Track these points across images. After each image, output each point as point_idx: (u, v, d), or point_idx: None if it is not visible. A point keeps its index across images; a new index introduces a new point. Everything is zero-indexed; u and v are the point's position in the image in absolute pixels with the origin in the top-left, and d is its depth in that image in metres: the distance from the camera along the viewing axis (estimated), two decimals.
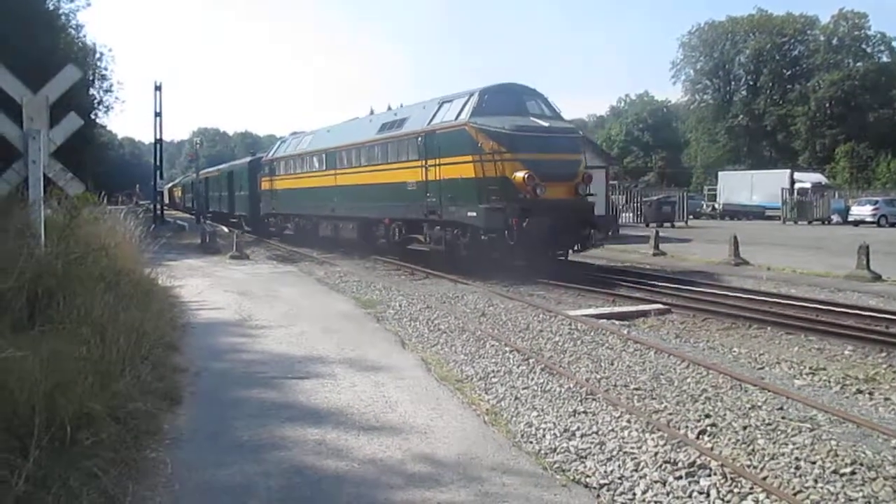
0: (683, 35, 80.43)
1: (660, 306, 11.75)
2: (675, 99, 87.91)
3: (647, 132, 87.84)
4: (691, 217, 43.75)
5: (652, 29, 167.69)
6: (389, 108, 21.56)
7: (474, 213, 15.30)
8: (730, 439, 5.36)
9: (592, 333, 9.35)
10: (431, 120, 17.42)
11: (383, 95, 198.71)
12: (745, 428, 5.57)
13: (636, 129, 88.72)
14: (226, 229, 31.94)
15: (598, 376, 7.23)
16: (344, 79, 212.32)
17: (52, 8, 19.91)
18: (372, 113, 22.50)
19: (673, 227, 35.95)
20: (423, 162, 17.23)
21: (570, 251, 16.69)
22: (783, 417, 5.83)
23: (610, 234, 18.55)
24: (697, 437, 5.43)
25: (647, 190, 50.51)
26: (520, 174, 14.78)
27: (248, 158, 37.28)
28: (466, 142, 15.67)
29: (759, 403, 6.22)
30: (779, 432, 5.49)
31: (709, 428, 5.60)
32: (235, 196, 37.42)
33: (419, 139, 17.61)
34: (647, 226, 34.43)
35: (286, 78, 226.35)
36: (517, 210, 14.52)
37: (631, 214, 40.79)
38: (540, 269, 15.41)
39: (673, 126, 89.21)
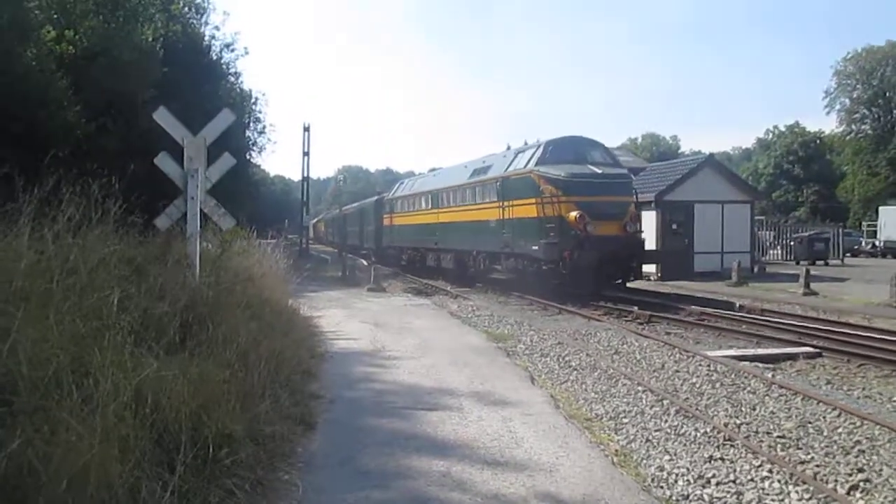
0: (837, 62, 75.38)
1: (809, 349, 10.95)
2: (828, 129, 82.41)
3: (797, 165, 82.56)
4: (847, 255, 40.55)
5: (803, 56, 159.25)
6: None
7: (536, 247, 17.86)
8: (885, 497, 4.90)
9: (733, 376, 8.86)
10: (508, 167, 20.59)
11: (529, 129, 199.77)
12: None
13: (786, 161, 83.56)
14: (364, 262, 33.21)
15: (738, 421, 6.84)
16: (485, 114, 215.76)
17: (215, 58, 21.52)
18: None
19: (827, 265, 33.52)
20: (501, 203, 20.27)
21: (627, 280, 18.65)
22: None
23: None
24: (848, 493, 5.00)
25: (798, 226, 47.36)
26: (573, 214, 17.20)
27: (375, 197, 40.55)
28: (531, 186, 18.56)
29: None
30: None
31: (861, 483, 5.14)
32: (364, 230, 41.19)
33: (498, 183, 20.85)
34: (798, 263, 32.29)
35: (425, 117, 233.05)
36: (569, 244, 16.90)
37: (779, 251, 38.47)
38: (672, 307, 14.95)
39: (827, 158, 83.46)
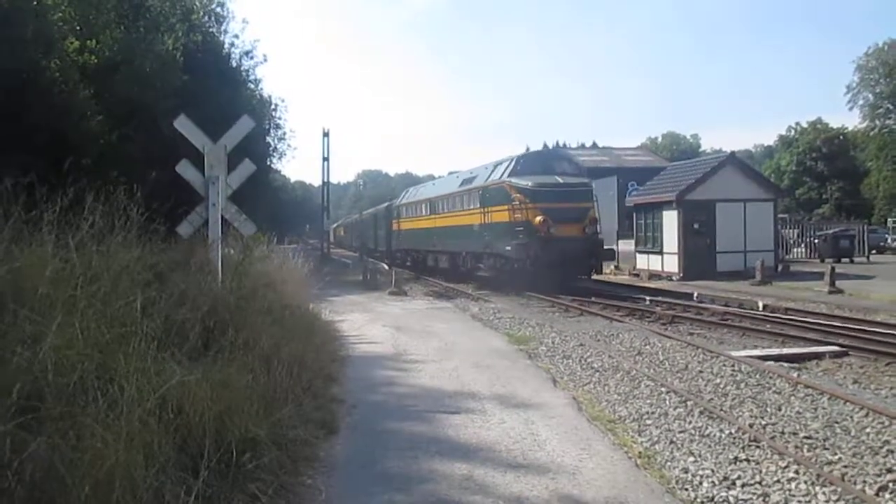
0: (859, 57, 73.96)
1: (835, 348, 10.78)
2: (851, 125, 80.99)
3: (820, 161, 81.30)
4: (873, 252, 39.85)
5: (825, 51, 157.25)
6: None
7: (509, 247, 20.51)
8: None
9: (757, 376, 8.75)
10: (488, 178, 23.52)
11: (546, 132, 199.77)
12: None
13: (808, 158, 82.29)
14: (385, 266, 33.32)
15: (763, 422, 6.75)
16: (502, 117, 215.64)
17: (234, 65, 21.66)
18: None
19: (852, 262, 32.98)
20: (482, 209, 23.12)
21: (589, 275, 21.48)
22: None
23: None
24: (877, 494, 4.90)
25: (822, 223, 46.59)
26: (538, 218, 19.90)
27: (387, 203, 43.22)
28: (504, 195, 21.41)
29: None
30: None
31: (891, 484, 5.04)
32: (378, 235, 43.74)
33: (480, 192, 23.65)
34: (822, 262, 31.84)
35: (443, 119, 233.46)
36: (535, 244, 19.56)
37: (804, 249, 37.94)
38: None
39: (850, 154, 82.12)
